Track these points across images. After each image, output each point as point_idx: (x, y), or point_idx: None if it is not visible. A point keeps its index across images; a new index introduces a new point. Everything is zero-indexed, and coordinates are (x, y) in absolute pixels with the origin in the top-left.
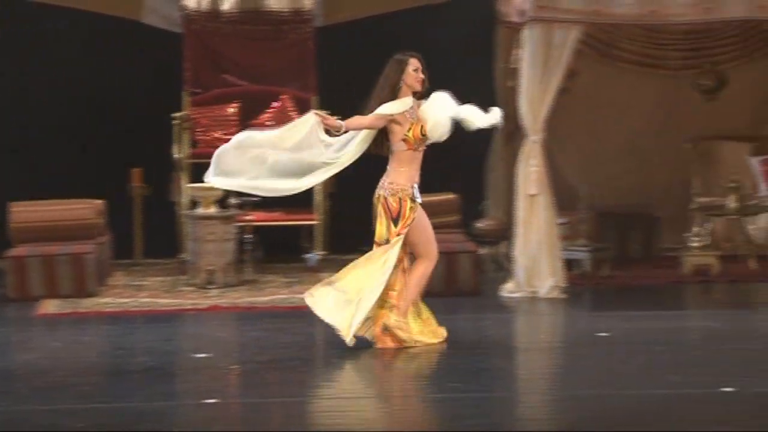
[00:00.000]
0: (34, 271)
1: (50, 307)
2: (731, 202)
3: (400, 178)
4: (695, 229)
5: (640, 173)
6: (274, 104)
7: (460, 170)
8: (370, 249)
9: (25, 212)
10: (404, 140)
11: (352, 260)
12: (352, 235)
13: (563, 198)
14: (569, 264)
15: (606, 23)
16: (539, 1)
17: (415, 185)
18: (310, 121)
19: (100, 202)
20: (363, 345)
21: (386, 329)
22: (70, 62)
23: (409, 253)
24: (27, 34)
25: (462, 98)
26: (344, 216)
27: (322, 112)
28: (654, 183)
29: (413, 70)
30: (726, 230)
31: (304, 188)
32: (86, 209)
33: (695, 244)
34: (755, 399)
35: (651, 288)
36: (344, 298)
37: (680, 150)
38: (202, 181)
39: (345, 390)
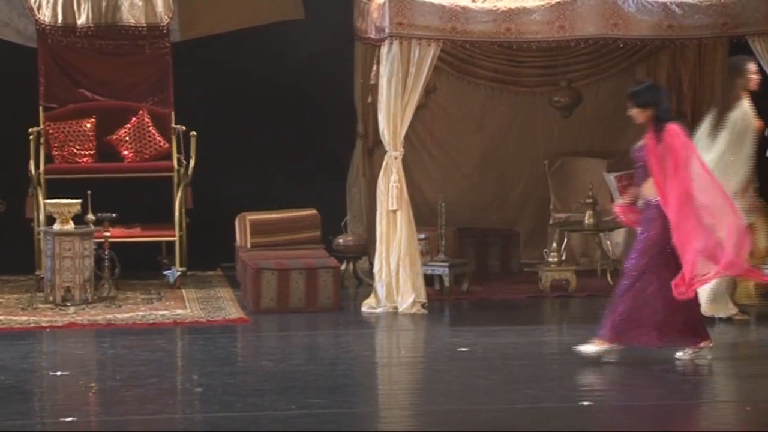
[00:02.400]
0: None
1: None
2: (588, 218)
3: None
4: (553, 245)
5: (498, 189)
6: (132, 120)
7: (319, 185)
8: (231, 264)
9: None
10: None
11: (211, 276)
12: (211, 251)
13: (423, 213)
14: (429, 279)
15: (463, 40)
16: (396, 18)
17: None
18: None
19: None
20: (219, 358)
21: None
22: None
23: None
24: None
25: (322, 114)
26: (203, 232)
27: None
28: (512, 199)
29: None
30: (583, 245)
31: None
32: None
33: (553, 260)
34: (612, 412)
35: (510, 303)
36: None
37: (537, 166)
38: (59, 197)
39: (205, 407)
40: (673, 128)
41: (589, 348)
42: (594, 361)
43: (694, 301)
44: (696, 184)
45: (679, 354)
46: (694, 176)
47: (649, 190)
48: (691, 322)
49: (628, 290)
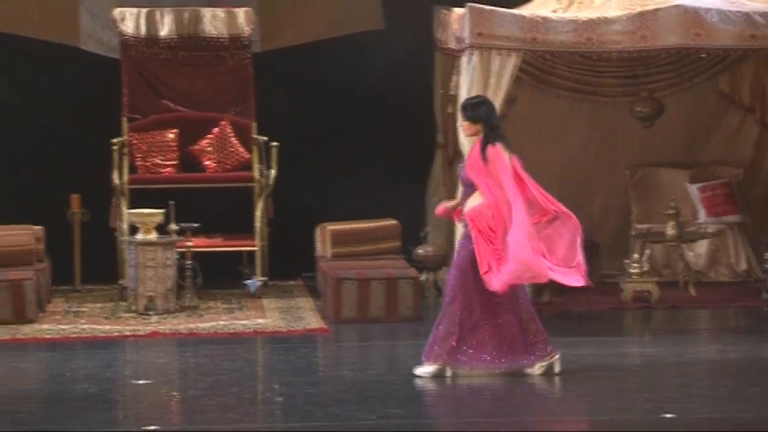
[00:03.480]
0: None
1: None
2: (670, 229)
3: None
4: (634, 256)
5: (578, 199)
6: (214, 130)
7: (399, 196)
8: (311, 274)
9: None
10: None
11: (292, 286)
12: (292, 261)
13: None
14: None
15: (544, 50)
16: (477, 29)
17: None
18: None
19: (39, 228)
20: (299, 368)
21: None
22: (8, 88)
23: None
24: None
25: (402, 125)
26: (284, 242)
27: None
28: (592, 209)
29: None
30: (665, 257)
31: None
32: (25, 235)
33: (634, 271)
34: (695, 424)
35: (591, 314)
36: None
37: (618, 176)
38: (142, 207)
39: (286, 416)
40: (495, 149)
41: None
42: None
43: (529, 314)
44: (512, 205)
45: (529, 370)
46: (510, 197)
47: (470, 206)
48: (530, 338)
49: (447, 308)
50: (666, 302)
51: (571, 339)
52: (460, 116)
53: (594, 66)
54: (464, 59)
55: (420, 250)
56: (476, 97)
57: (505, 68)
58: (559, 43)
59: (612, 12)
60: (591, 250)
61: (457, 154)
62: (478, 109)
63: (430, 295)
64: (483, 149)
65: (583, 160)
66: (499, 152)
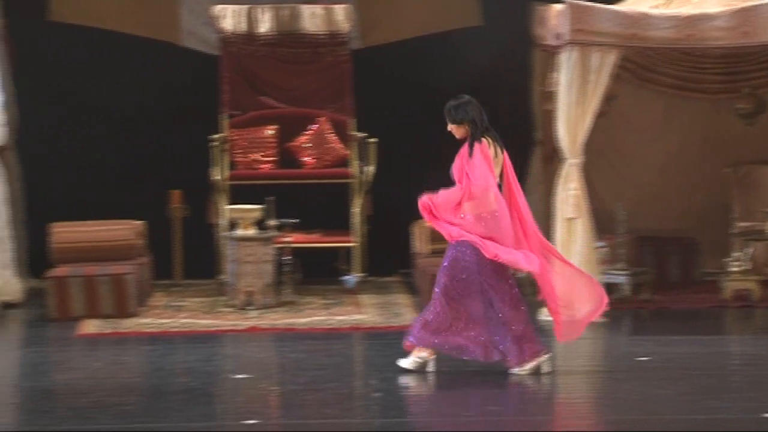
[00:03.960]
0: (75, 291)
1: (91, 327)
2: None
3: None
4: (735, 254)
5: (679, 197)
6: (312, 127)
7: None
8: (409, 271)
9: (66, 233)
10: None
11: (389, 282)
12: (390, 257)
13: (602, 221)
14: (608, 288)
15: (644, 47)
16: (576, 25)
17: None
18: None
19: (140, 223)
20: (396, 364)
21: None
22: (110, 85)
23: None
24: (67, 56)
25: (499, 122)
26: (382, 238)
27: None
28: (693, 207)
29: None
30: (767, 255)
31: None
32: (127, 230)
33: (735, 269)
34: None
35: (691, 313)
36: None
37: (719, 174)
38: (241, 203)
39: (383, 412)
40: (481, 145)
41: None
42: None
43: (522, 315)
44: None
45: (516, 369)
46: (484, 184)
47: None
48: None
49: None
50: (767, 301)
51: (670, 337)
52: (448, 121)
53: (695, 63)
54: (563, 56)
55: None
56: (458, 97)
57: (605, 65)
58: (659, 40)
59: (713, 8)
60: (691, 247)
61: (556, 152)
62: (460, 110)
63: (528, 292)
64: (471, 147)
65: (683, 157)
66: (483, 147)
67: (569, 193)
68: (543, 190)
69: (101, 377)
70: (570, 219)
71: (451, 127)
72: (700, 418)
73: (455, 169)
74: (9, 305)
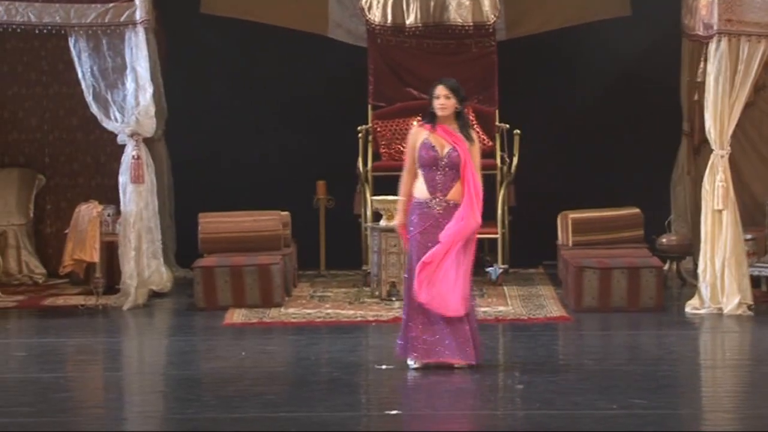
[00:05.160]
0: (222, 281)
1: (237, 316)
2: None
3: None
4: None
5: None
6: None
7: (643, 184)
8: (552, 262)
9: (214, 223)
10: None
11: (533, 274)
12: (533, 248)
13: (750, 213)
14: (756, 281)
15: None
16: (726, 15)
17: None
18: None
19: (286, 213)
20: (540, 356)
21: None
22: (258, 76)
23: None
24: (217, 48)
25: (647, 112)
26: (526, 230)
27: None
28: None
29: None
30: None
31: None
32: (273, 221)
33: None
34: None
35: None
36: None
37: None
38: (385, 194)
39: (526, 404)
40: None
41: None
42: None
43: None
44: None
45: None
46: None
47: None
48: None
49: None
50: None
51: None
52: (451, 97)
53: None
54: (712, 46)
55: (663, 239)
56: (450, 78)
57: (754, 55)
58: None
59: None
60: None
61: (703, 143)
62: (463, 91)
63: (673, 285)
64: (467, 132)
65: None
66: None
67: (717, 184)
68: (690, 181)
69: (247, 366)
70: (717, 210)
71: (449, 102)
72: None
73: (461, 150)
74: (158, 294)
